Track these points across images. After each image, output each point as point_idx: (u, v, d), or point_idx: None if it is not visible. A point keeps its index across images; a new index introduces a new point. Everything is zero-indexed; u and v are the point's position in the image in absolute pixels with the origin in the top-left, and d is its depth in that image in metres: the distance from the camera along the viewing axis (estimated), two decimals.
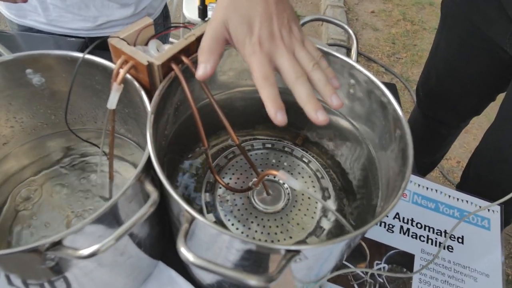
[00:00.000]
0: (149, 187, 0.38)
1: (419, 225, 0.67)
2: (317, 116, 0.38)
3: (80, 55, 0.47)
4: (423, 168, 1.32)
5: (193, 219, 0.36)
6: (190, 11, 1.61)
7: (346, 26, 0.53)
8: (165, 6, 1.05)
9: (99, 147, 0.58)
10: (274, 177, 0.58)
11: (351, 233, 0.36)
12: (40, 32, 0.88)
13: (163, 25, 1.06)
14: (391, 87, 0.83)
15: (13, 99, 0.53)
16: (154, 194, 0.37)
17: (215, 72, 0.53)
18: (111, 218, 0.40)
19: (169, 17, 1.10)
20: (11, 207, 0.57)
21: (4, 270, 0.40)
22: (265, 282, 0.31)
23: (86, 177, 0.60)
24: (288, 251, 0.34)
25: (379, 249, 0.63)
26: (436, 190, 0.72)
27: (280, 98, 0.38)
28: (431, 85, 1.06)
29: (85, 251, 0.33)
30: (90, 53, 0.47)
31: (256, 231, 0.53)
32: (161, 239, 0.56)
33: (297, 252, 0.35)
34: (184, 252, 0.33)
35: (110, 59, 0.49)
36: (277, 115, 0.37)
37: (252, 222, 0.54)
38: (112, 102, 0.46)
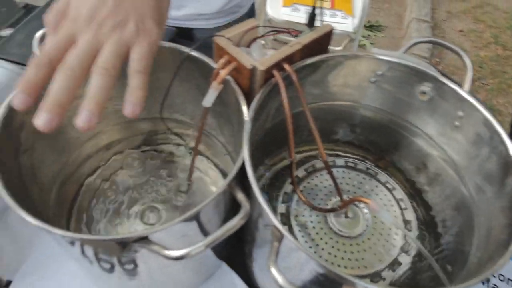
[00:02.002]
0: (241, 196, 0.37)
1: None
2: (37, 119, 0.29)
3: (186, 49, 0.47)
4: None
5: (282, 237, 0.35)
6: (274, 9, 1.60)
7: (461, 52, 0.49)
8: (252, 4, 1.04)
9: (184, 140, 0.59)
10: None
11: (447, 286, 0.33)
12: None
13: None
14: None
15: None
16: (246, 206, 0.36)
17: (325, 82, 0.51)
18: (195, 220, 0.39)
19: (254, 15, 1.10)
20: (93, 181, 0.60)
21: (81, 245, 0.41)
22: None
23: (165, 167, 0.61)
24: None
25: None
26: None
27: (36, 84, 0.30)
28: None
29: (175, 253, 0.33)
30: (177, 42, 0.47)
31: (329, 253, 0.51)
32: (230, 241, 0.55)
33: None
34: (275, 273, 0.32)
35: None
36: (15, 99, 0.29)
37: (326, 242, 0.51)
38: (209, 100, 0.45)
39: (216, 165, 0.61)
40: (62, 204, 0.56)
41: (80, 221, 0.57)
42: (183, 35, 0.92)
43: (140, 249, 0.37)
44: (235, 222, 0.35)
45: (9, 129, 0.44)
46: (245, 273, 0.56)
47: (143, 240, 0.35)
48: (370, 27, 2.26)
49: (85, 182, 0.59)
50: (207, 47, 0.49)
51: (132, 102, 0.31)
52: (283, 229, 0.34)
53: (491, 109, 1.80)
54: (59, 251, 0.58)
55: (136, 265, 0.44)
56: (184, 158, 0.60)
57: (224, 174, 0.61)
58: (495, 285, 0.57)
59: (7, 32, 0.88)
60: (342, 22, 1.53)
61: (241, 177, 0.40)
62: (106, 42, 0.32)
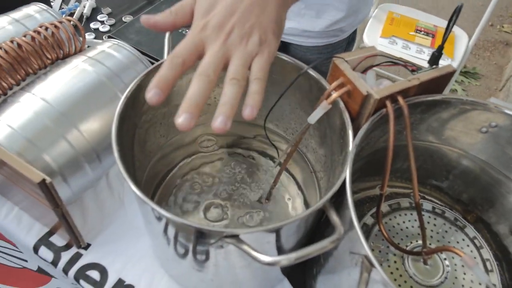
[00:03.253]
0: (335, 218, 0.37)
1: None
2: (179, 118, 0.32)
3: (303, 66, 0.48)
4: None
5: (371, 269, 0.34)
6: (370, 38, 1.59)
7: None
8: (354, 32, 1.04)
9: (277, 151, 0.60)
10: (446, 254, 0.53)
11: None
12: None
13: (345, 49, 1.05)
14: None
15: (222, 81, 0.56)
16: (340, 230, 0.35)
17: (434, 123, 0.50)
18: (283, 230, 0.40)
19: (354, 41, 1.09)
20: (182, 167, 0.63)
21: (175, 231, 0.43)
22: None
23: (249, 172, 0.62)
24: None
25: None
26: None
27: (169, 82, 0.33)
28: None
29: (266, 258, 0.34)
30: None
31: None
32: None
33: None
34: None
35: None
36: (150, 92, 0.33)
37: (399, 285, 0.50)
38: (314, 117, 0.46)
39: (297, 181, 0.62)
40: (153, 179, 0.60)
41: (162, 198, 0.60)
42: (279, 48, 0.96)
43: (227, 245, 0.38)
44: (326, 244, 0.35)
45: (134, 108, 0.48)
46: None
47: (235, 237, 0.36)
48: (465, 72, 2.16)
49: (175, 167, 0.63)
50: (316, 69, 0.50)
51: (251, 105, 0.34)
52: (376, 262, 0.33)
53: None
54: (136, 227, 0.62)
55: (207, 257, 0.45)
56: (269, 168, 0.62)
57: (303, 192, 0.61)
58: None
59: (127, 18, 0.96)
60: (441, 64, 1.48)
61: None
62: (234, 52, 0.35)
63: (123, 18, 0.96)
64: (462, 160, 0.53)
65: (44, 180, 0.45)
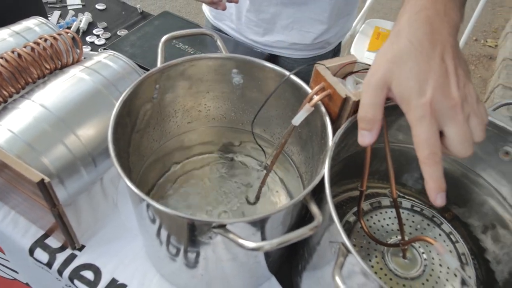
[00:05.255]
0: (315, 209, 0.40)
1: None
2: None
3: (286, 73, 0.52)
4: None
5: (347, 254, 0.37)
6: (357, 52, 1.64)
7: None
8: (339, 43, 1.09)
9: (265, 154, 0.63)
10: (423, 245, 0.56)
11: None
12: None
13: None
14: None
15: (212, 89, 0.60)
16: (319, 218, 0.39)
17: (408, 125, 0.54)
18: (267, 222, 0.43)
19: (339, 53, 1.15)
20: (174, 171, 0.66)
21: (167, 225, 0.45)
22: None
23: (238, 175, 0.65)
24: None
25: None
26: None
27: (443, 178, 0.34)
28: None
29: (250, 244, 0.37)
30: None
31: None
32: (284, 253, 0.58)
33: None
34: (339, 281, 0.34)
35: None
36: (437, 198, 0.34)
37: (380, 277, 0.52)
38: (298, 119, 0.49)
39: (285, 186, 0.65)
40: (145, 183, 0.63)
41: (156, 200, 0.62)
42: (270, 61, 1.01)
43: (216, 235, 0.41)
44: (306, 231, 0.38)
45: (129, 114, 0.51)
46: None
47: (222, 227, 0.39)
48: None
49: (167, 172, 0.65)
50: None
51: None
52: (352, 248, 0.36)
53: None
54: (129, 230, 0.64)
55: (198, 255, 0.48)
56: (257, 172, 0.65)
57: (291, 195, 0.64)
58: None
59: (122, 32, 1.00)
60: None
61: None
62: (472, 120, 0.35)
63: (118, 32, 1.00)
64: None
65: (42, 180, 0.48)
